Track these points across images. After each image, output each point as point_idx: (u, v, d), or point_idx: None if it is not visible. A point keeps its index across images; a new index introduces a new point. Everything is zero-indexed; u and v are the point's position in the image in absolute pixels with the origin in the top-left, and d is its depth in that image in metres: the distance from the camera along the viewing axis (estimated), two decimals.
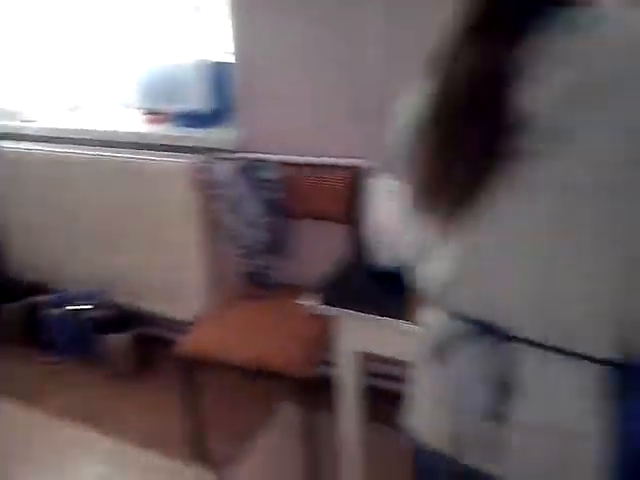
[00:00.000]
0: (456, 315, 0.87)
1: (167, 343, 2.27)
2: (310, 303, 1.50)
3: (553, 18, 0.71)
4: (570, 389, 0.78)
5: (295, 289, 2.07)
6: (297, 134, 2.13)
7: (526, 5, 0.73)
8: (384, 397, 1.81)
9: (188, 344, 1.94)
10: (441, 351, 0.89)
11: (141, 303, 2.62)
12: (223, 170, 2.17)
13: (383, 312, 1.40)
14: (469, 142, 0.77)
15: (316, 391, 1.80)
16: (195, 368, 1.94)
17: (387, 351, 1.51)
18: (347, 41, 1.96)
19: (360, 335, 1.52)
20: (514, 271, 0.79)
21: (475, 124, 0.76)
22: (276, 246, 2.21)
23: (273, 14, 2.05)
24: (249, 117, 2.22)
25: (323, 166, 2.08)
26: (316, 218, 2.16)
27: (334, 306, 1.48)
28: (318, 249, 2.18)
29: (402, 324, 1.33)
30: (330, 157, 2.08)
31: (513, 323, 0.80)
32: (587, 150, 0.70)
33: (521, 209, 0.77)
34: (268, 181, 2.14)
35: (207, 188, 2.25)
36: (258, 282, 2.23)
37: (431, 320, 0.93)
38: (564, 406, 0.79)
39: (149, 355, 2.66)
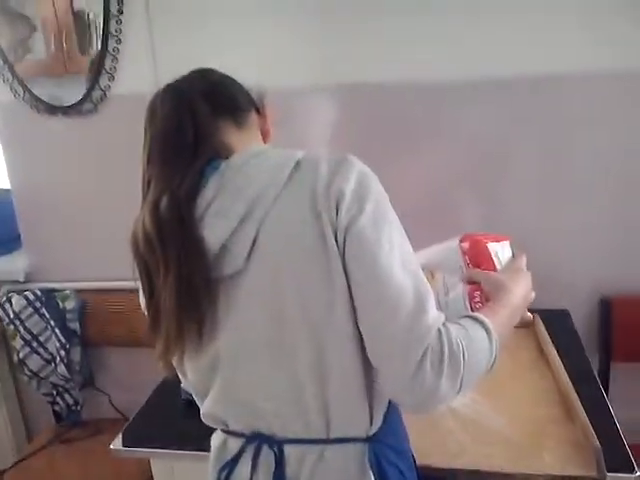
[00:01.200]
0: (228, 433, 0.98)
1: None
2: (116, 447, 1.37)
3: (216, 168, 0.87)
4: (331, 474, 0.91)
5: (112, 424, 1.95)
6: (90, 259, 2.03)
7: (196, 164, 0.87)
8: None
9: None
10: (222, 472, 0.97)
11: None
12: (14, 304, 1.98)
13: (195, 445, 1.31)
14: (169, 277, 0.85)
15: None
16: None
17: None
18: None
19: (176, 472, 1.41)
20: (252, 382, 0.91)
21: (169, 263, 0.84)
22: (82, 379, 2.03)
23: (51, 138, 1.97)
24: (37, 246, 2.08)
25: (123, 290, 1.98)
26: (122, 345, 2.04)
27: (140, 446, 1.36)
28: (131, 377, 2.04)
29: None
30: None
31: (272, 427, 0.93)
32: (269, 262, 0.85)
33: (238, 324, 0.88)
34: (65, 311, 1.99)
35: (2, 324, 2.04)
36: (69, 422, 2.03)
37: (213, 443, 1.02)
38: None
39: None
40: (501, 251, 1.08)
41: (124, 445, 1.37)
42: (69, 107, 1.87)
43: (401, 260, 0.83)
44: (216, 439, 1.01)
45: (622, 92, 1.66)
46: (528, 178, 1.77)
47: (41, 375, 2.01)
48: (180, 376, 1.02)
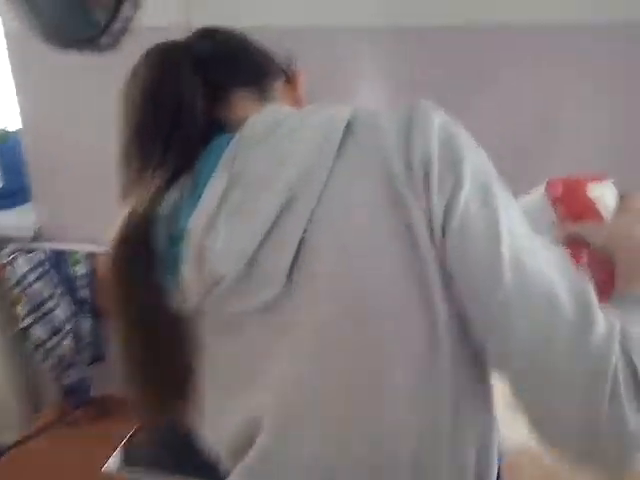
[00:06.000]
0: None
1: None
2: (111, 466, 1.15)
3: (222, 147, 0.62)
4: None
5: (122, 404, 1.73)
6: (108, 219, 1.75)
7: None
8: None
9: None
10: None
11: None
12: (21, 265, 1.75)
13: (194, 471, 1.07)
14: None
15: None
16: None
17: None
18: None
19: None
20: (322, 438, 0.61)
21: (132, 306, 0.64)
22: (91, 353, 1.81)
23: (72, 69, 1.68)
24: (48, 199, 1.81)
25: None
26: None
27: (137, 466, 1.14)
28: None
29: None
30: None
31: None
32: (326, 277, 0.59)
33: (293, 369, 0.61)
34: (76, 277, 1.75)
35: (5, 288, 1.81)
36: (76, 399, 1.82)
37: None
38: None
39: None
40: (607, 194, 0.78)
41: (122, 466, 1.14)
42: (85, 40, 1.57)
43: (531, 245, 0.56)
44: None
45: None
46: None
47: (47, 346, 1.79)
48: None
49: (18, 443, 1.69)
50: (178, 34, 0.75)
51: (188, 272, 0.60)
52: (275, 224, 0.57)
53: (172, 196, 0.62)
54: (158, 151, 0.64)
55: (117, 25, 1.54)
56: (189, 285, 0.60)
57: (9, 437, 1.81)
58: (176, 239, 0.61)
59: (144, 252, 0.62)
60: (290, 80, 0.75)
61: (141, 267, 0.62)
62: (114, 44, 1.56)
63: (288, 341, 0.60)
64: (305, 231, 0.57)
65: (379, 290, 0.57)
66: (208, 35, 0.73)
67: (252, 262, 0.58)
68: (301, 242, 0.57)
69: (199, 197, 0.60)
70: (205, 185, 0.60)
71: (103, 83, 1.63)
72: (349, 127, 0.59)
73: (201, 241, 0.59)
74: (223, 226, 0.58)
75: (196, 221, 0.59)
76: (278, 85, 0.73)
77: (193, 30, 0.75)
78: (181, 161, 0.63)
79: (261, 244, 0.57)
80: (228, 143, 0.62)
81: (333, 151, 0.58)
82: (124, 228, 0.63)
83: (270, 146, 0.60)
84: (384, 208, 0.57)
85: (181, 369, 0.66)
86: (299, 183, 0.57)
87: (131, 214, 0.63)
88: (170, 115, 0.64)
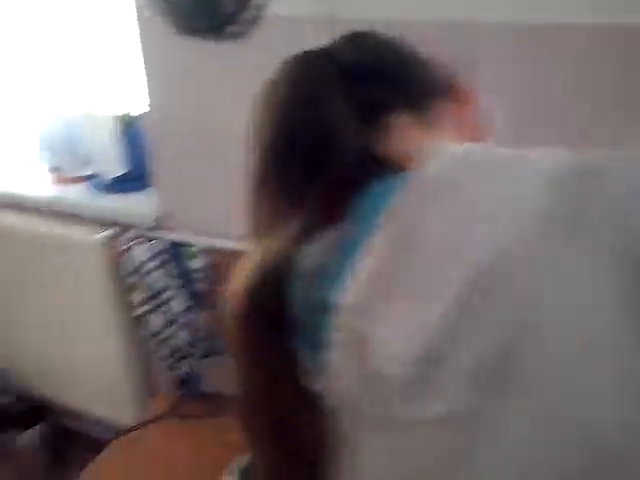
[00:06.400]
0: None
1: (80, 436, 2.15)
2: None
3: (383, 195, 0.49)
4: None
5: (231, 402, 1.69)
6: (231, 212, 1.69)
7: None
8: None
9: None
10: None
11: (47, 391, 2.20)
12: (140, 253, 1.74)
13: None
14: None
15: None
16: None
17: None
18: None
19: None
20: None
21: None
22: (205, 348, 1.78)
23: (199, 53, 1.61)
24: (171, 187, 1.78)
25: None
26: None
27: None
28: None
29: None
30: None
31: None
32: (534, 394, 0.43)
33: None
34: (193, 270, 1.71)
35: (122, 274, 1.81)
36: (187, 391, 1.80)
37: None
38: None
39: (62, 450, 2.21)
40: None
41: None
42: (211, 28, 1.49)
43: None
44: None
45: None
46: None
47: (162, 336, 1.78)
48: None
49: (130, 430, 1.70)
50: (315, 27, 0.63)
51: (339, 361, 0.49)
52: (464, 311, 0.43)
53: (313, 251, 0.51)
54: (296, 189, 0.54)
55: (248, 13, 1.44)
56: (338, 375, 0.49)
57: (124, 417, 1.85)
58: (318, 309, 0.49)
59: (276, 314, 0.53)
60: (459, 100, 0.61)
61: (272, 330, 0.54)
62: (244, 33, 1.47)
63: (475, 465, 0.45)
64: (505, 327, 0.42)
65: (613, 439, 0.41)
66: (356, 42, 0.59)
67: (430, 360, 0.44)
68: (500, 344, 0.43)
69: (352, 261, 0.48)
70: (360, 245, 0.48)
71: (233, 70, 1.57)
72: (564, 184, 0.44)
73: (357, 324, 0.47)
74: (388, 307, 0.46)
75: (350, 296, 0.47)
76: (443, 106, 0.59)
77: (334, 22, 0.63)
78: (326, 206, 0.53)
79: (443, 337, 0.43)
80: (391, 188, 0.48)
81: (539, 216, 0.43)
82: (253, 281, 0.54)
83: (455, 203, 0.46)
84: (622, 307, 0.40)
85: (308, 451, 0.56)
86: (498, 260, 0.43)
87: (261, 264, 0.53)
88: (314, 144, 0.53)
